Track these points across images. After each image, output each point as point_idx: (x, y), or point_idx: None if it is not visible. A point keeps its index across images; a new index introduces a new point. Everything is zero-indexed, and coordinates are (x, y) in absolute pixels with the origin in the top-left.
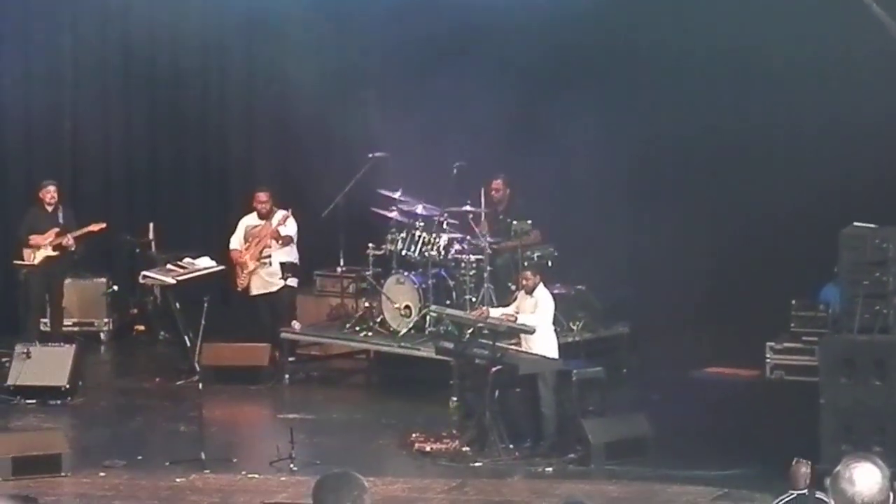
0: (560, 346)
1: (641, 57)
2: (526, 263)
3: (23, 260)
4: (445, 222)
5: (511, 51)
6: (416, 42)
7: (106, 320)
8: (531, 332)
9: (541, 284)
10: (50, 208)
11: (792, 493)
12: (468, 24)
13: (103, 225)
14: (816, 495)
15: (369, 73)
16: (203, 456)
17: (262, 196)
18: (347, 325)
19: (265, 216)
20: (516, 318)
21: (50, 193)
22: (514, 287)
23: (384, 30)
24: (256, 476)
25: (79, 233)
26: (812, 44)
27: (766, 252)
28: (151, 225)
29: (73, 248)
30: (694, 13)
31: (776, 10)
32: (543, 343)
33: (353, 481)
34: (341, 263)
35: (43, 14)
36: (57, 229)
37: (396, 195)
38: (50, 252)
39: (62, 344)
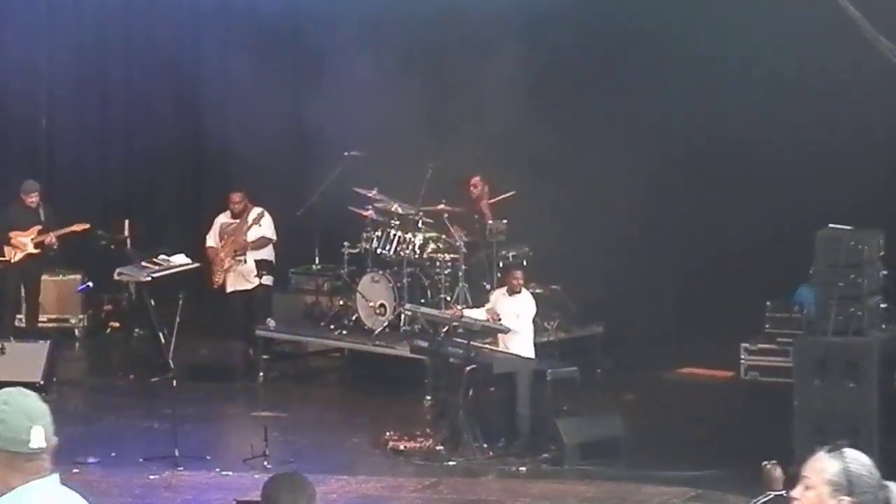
0: (535, 346)
1: (622, 63)
2: (501, 263)
3: (3, 256)
4: (421, 221)
5: (487, 51)
6: (393, 42)
7: (80, 317)
8: (506, 331)
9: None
10: (33, 205)
11: (769, 494)
12: (446, 25)
13: (87, 225)
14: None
15: (346, 71)
16: (177, 453)
17: (236, 197)
18: (322, 323)
19: (238, 215)
20: (500, 318)
21: (32, 199)
22: (488, 287)
23: (361, 29)
24: (230, 473)
25: (61, 232)
26: (790, 52)
27: (742, 253)
28: (127, 222)
29: (55, 247)
30: (672, 26)
31: (756, 19)
32: (520, 342)
33: (306, 483)
34: (316, 261)
35: (17, 12)
36: (39, 227)
37: (372, 194)
38: (31, 250)
39: (37, 340)
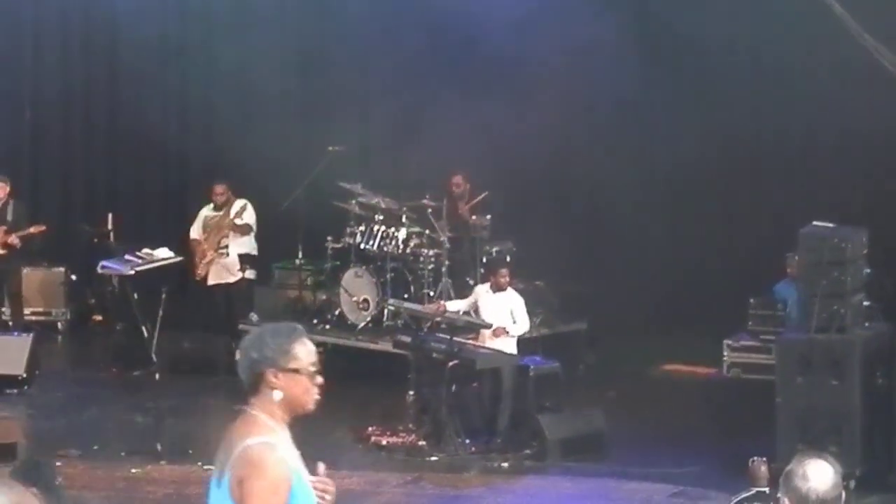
0: (518, 342)
1: (608, 62)
2: (485, 259)
3: None
4: (404, 216)
5: (469, 42)
6: (376, 35)
7: (64, 310)
8: (488, 327)
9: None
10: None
11: (752, 490)
12: (430, 18)
13: (43, 227)
14: (778, 494)
15: (331, 66)
16: (159, 447)
17: (219, 188)
18: (305, 318)
19: (221, 207)
20: (507, 330)
21: (2, 190)
22: (472, 282)
23: (345, 22)
24: (212, 467)
25: (22, 234)
26: (775, 51)
27: (725, 250)
28: (110, 215)
29: (17, 247)
30: (655, 28)
31: (738, 17)
32: (503, 338)
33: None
34: (300, 256)
35: (2, 5)
36: (4, 227)
37: (356, 188)
38: None
39: (19, 333)
